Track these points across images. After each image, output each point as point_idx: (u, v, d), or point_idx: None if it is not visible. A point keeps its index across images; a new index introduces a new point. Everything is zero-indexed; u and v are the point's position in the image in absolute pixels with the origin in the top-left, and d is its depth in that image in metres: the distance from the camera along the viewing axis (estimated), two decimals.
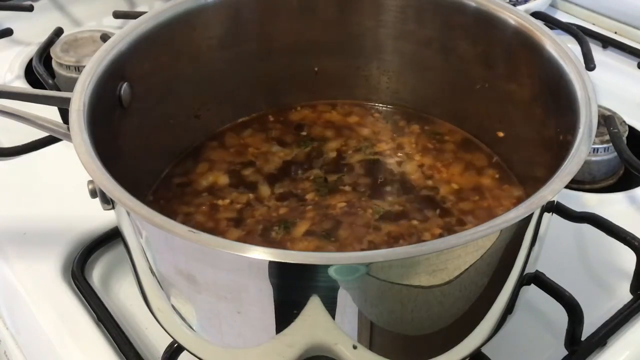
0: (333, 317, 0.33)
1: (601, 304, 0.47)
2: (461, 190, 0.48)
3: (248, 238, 0.45)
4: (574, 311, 0.41)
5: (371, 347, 0.34)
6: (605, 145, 0.58)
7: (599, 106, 0.55)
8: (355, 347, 0.34)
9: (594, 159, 0.58)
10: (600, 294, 0.48)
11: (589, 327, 0.43)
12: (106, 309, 0.46)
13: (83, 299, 0.47)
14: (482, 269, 0.34)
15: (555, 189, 0.34)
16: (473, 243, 0.32)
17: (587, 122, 0.38)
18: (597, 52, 0.70)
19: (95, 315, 0.46)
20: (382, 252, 0.31)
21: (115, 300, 0.48)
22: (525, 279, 0.39)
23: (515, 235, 0.35)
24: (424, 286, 0.33)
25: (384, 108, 0.56)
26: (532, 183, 0.45)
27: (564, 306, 0.42)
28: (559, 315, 0.42)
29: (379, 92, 0.56)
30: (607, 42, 0.73)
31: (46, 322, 0.46)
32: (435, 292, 0.33)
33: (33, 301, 0.47)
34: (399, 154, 0.52)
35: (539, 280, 0.42)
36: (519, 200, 0.47)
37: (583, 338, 0.42)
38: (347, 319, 0.33)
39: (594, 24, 0.76)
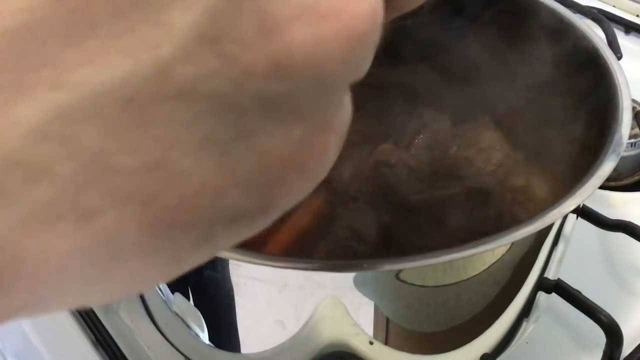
0: (350, 314, 0.32)
1: (635, 317, 0.44)
2: None
3: None
4: (612, 332, 0.38)
5: (387, 342, 0.34)
6: (632, 141, 0.55)
7: None
8: (371, 343, 0.33)
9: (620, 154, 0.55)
10: (634, 305, 0.45)
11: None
12: (105, 328, 0.42)
13: (80, 317, 0.43)
14: (502, 267, 0.33)
15: (578, 200, 0.31)
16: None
17: (618, 128, 0.36)
18: (620, 38, 0.65)
19: (93, 336, 0.42)
20: (413, 262, 0.29)
21: (114, 317, 0.45)
22: (545, 285, 0.37)
23: (537, 239, 0.34)
24: (440, 285, 0.32)
25: None
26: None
27: (600, 326, 0.39)
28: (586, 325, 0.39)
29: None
30: (629, 27, 0.69)
31: (40, 343, 0.43)
32: (453, 289, 0.33)
33: (25, 321, 0.44)
34: None
35: (572, 296, 0.39)
36: None
37: (621, 359, 0.40)
38: (364, 316, 0.32)
39: (614, 6, 0.73)
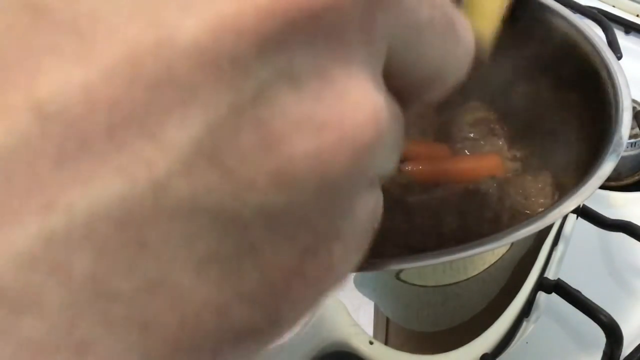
0: (350, 314, 0.32)
1: (635, 317, 0.44)
2: None
3: None
4: (612, 332, 0.38)
5: (387, 342, 0.34)
6: (632, 141, 0.55)
7: None
8: (371, 343, 0.33)
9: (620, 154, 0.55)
10: (634, 305, 0.45)
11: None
12: None
13: None
14: (502, 267, 0.33)
15: (578, 200, 0.31)
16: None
17: (618, 129, 0.35)
18: (620, 38, 0.65)
19: None
20: (413, 262, 0.29)
21: None
22: (545, 285, 0.37)
23: (537, 239, 0.34)
24: (440, 285, 0.32)
25: None
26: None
27: (600, 326, 0.39)
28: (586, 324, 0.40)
29: None
30: (629, 27, 0.69)
31: None
32: (453, 289, 0.32)
33: None
34: None
35: (572, 296, 0.39)
36: None
37: (621, 359, 0.40)
38: (364, 316, 0.32)
39: (614, 6, 0.73)
